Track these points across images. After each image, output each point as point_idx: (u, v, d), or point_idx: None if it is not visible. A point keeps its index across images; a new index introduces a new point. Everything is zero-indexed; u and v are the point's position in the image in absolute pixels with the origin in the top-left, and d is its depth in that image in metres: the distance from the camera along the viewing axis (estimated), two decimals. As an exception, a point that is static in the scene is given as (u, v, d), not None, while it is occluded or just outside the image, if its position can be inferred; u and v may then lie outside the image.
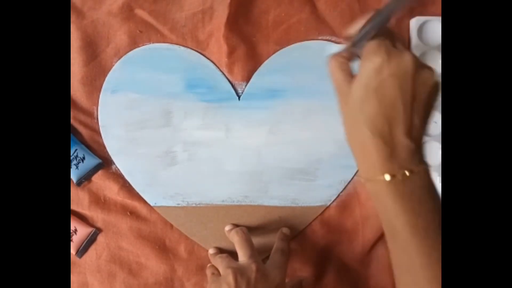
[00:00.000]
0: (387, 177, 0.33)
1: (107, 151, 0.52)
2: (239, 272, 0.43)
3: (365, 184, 0.36)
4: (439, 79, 0.35)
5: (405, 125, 0.33)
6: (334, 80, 0.36)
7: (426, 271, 0.34)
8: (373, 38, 0.35)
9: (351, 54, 0.37)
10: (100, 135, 0.52)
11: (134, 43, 0.52)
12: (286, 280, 0.47)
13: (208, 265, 0.51)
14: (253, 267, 0.44)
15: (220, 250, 0.51)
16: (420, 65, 0.34)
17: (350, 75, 0.35)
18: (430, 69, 0.34)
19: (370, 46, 0.34)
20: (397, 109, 0.33)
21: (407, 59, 0.33)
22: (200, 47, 0.52)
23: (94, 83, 0.51)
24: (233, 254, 0.48)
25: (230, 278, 0.43)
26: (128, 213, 0.52)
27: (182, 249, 0.52)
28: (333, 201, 0.52)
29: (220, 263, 0.47)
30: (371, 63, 0.33)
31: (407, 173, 0.33)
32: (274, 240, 0.50)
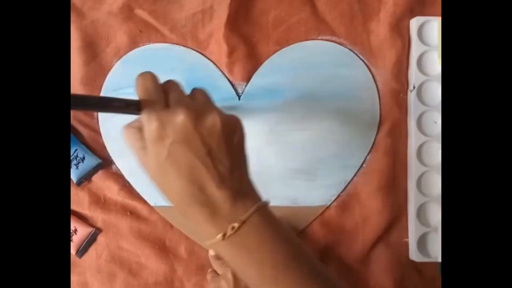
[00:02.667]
0: (220, 236, 0.31)
1: (107, 151, 0.52)
2: None
3: (211, 249, 0.34)
4: (229, 118, 0.33)
5: (213, 180, 0.31)
6: (133, 151, 0.34)
7: None
8: (144, 102, 0.32)
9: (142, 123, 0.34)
10: (100, 135, 0.52)
11: (134, 43, 0.52)
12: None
13: (209, 270, 0.51)
14: None
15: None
16: (198, 115, 0.32)
17: (146, 145, 0.33)
18: (212, 113, 0.32)
19: (143, 118, 0.32)
20: (197, 169, 0.31)
21: (180, 119, 0.31)
22: (200, 47, 0.52)
23: (94, 83, 0.51)
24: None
25: (229, 276, 0.43)
26: (128, 213, 0.52)
27: (182, 249, 0.52)
28: (333, 201, 0.52)
29: (220, 265, 0.48)
30: (149, 136, 0.31)
31: (236, 225, 0.31)
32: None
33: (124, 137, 0.34)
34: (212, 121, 0.32)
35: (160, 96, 0.33)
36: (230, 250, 0.32)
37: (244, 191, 0.33)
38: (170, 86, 0.34)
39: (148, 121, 0.32)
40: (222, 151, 0.32)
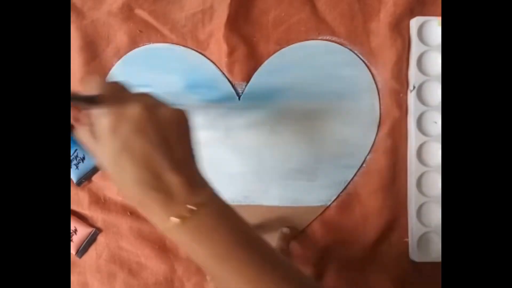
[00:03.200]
0: (175, 220, 0.32)
1: (107, 151, 0.52)
2: None
3: (166, 235, 0.35)
4: (179, 111, 0.34)
5: (168, 165, 0.32)
6: (89, 148, 0.35)
7: None
8: (100, 97, 0.33)
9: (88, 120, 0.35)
10: (100, 135, 0.52)
11: (134, 43, 0.52)
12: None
13: None
14: None
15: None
16: (151, 108, 0.33)
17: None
18: (163, 106, 0.34)
19: (97, 112, 0.33)
20: (152, 156, 0.32)
21: (135, 111, 0.32)
22: (200, 47, 0.52)
23: (94, 83, 0.51)
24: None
25: None
26: (128, 213, 0.52)
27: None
28: (333, 201, 0.52)
29: None
30: (104, 128, 0.33)
31: (193, 208, 0.33)
32: (274, 240, 0.50)
33: (78, 139, 0.36)
34: (163, 112, 0.34)
35: (112, 92, 0.34)
36: (185, 234, 0.33)
37: (196, 178, 0.35)
38: (121, 85, 0.35)
39: (103, 115, 0.33)
40: (175, 140, 0.33)
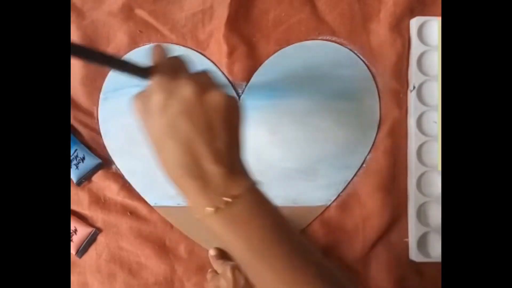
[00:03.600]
0: (210, 210, 0.32)
1: (107, 151, 0.52)
2: (237, 267, 0.44)
3: (201, 221, 0.34)
4: (231, 98, 0.34)
5: (210, 154, 0.32)
6: (140, 120, 0.35)
7: None
8: (155, 70, 0.33)
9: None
10: (101, 135, 0.52)
11: (134, 43, 0.52)
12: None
13: (209, 270, 0.51)
14: None
15: (220, 250, 0.51)
16: (204, 91, 0.33)
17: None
18: (217, 90, 0.33)
19: (152, 85, 0.33)
20: (195, 142, 0.32)
21: (188, 91, 0.32)
22: (200, 47, 0.52)
23: (95, 83, 0.51)
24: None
25: (228, 274, 0.43)
26: (128, 213, 0.52)
27: (182, 249, 0.52)
28: (333, 201, 0.52)
29: (220, 265, 0.48)
30: (155, 103, 0.32)
31: (229, 200, 0.32)
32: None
33: (132, 105, 0.35)
34: (215, 98, 0.33)
35: (170, 67, 0.34)
36: (219, 224, 0.33)
37: (238, 170, 0.34)
38: (179, 61, 0.35)
39: (157, 89, 0.33)
40: (221, 128, 0.33)
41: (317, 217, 0.52)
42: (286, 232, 0.34)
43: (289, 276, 0.33)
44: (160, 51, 0.35)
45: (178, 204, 0.52)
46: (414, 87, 0.51)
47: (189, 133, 0.32)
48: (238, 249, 0.34)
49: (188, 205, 0.34)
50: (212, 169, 0.32)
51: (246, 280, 0.43)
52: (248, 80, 0.51)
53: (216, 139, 0.32)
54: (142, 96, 0.34)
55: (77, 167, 0.51)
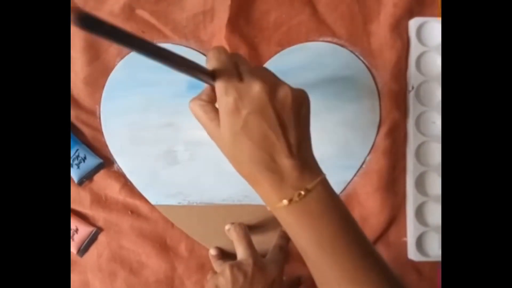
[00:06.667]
0: (285, 202, 0.34)
1: (109, 150, 0.52)
2: (236, 266, 0.44)
3: (273, 213, 0.36)
4: (298, 91, 0.35)
5: (283, 149, 0.33)
6: (202, 124, 0.36)
7: (341, 285, 0.34)
8: (219, 75, 0.33)
9: (210, 96, 0.36)
10: (102, 134, 0.52)
11: (136, 43, 0.52)
12: (284, 278, 0.48)
13: (210, 271, 0.51)
14: (250, 261, 0.44)
15: (221, 250, 0.52)
16: (272, 88, 0.33)
17: (215, 116, 0.34)
18: (283, 86, 0.34)
19: (219, 88, 0.33)
20: (269, 138, 0.33)
21: (257, 90, 0.33)
22: (202, 48, 0.52)
23: (97, 83, 0.52)
24: (234, 256, 0.49)
25: (227, 272, 0.43)
26: (129, 212, 0.52)
27: (182, 248, 0.52)
28: (333, 200, 0.52)
29: (219, 264, 0.48)
30: (225, 106, 0.33)
31: (302, 192, 0.33)
32: (274, 239, 0.50)
33: (191, 111, 0.36)
34: (284, 94, 0.34)
35: (233, 68, 0.34)
36: (292, 216, 0.34)
37: (309, 162, 0.35)
38: (239, 59, 0.35)
39: (226, 92, 0.33)
40: (292, 122, 0.34)
41: (317, 217, 0.52)
42: (351, 223, 0.36)
43: (352, 274, 0.34)
44: (216, 53, 0.34)
45: (179, 203, 0.52)
46: (412, 88, 0.51)
47: (264, 130, 0.33)
48: (306, 240, 0.35)
49: (261, 198, 0.35)
50: (286, 162, 0.33)
51: (245, 277, 0.43)
52: (249, 80, 0.51)
53: (288, 133, 0.33)
54: (200, 100, 0.35)
55: (78, 167, 0.51)
